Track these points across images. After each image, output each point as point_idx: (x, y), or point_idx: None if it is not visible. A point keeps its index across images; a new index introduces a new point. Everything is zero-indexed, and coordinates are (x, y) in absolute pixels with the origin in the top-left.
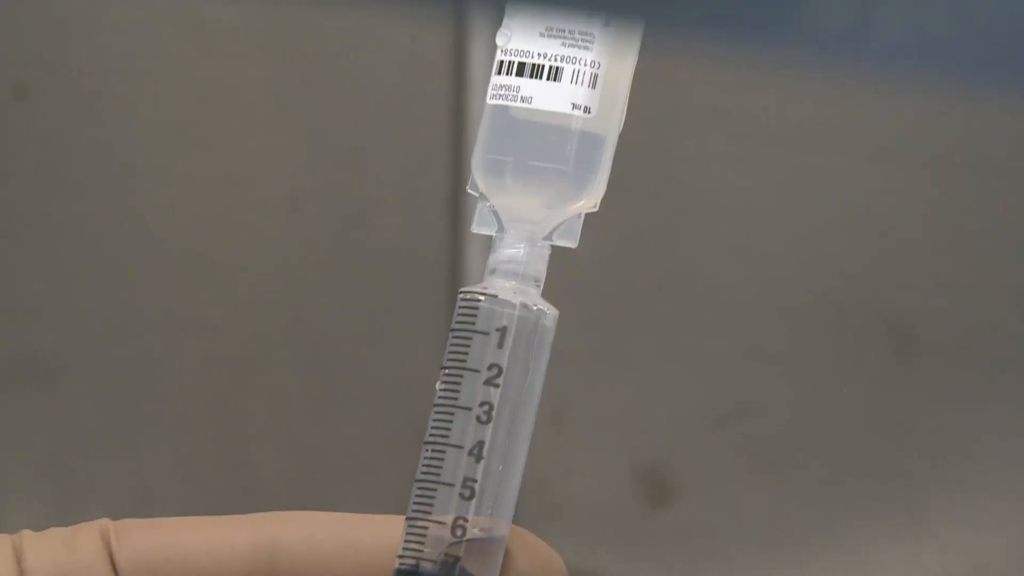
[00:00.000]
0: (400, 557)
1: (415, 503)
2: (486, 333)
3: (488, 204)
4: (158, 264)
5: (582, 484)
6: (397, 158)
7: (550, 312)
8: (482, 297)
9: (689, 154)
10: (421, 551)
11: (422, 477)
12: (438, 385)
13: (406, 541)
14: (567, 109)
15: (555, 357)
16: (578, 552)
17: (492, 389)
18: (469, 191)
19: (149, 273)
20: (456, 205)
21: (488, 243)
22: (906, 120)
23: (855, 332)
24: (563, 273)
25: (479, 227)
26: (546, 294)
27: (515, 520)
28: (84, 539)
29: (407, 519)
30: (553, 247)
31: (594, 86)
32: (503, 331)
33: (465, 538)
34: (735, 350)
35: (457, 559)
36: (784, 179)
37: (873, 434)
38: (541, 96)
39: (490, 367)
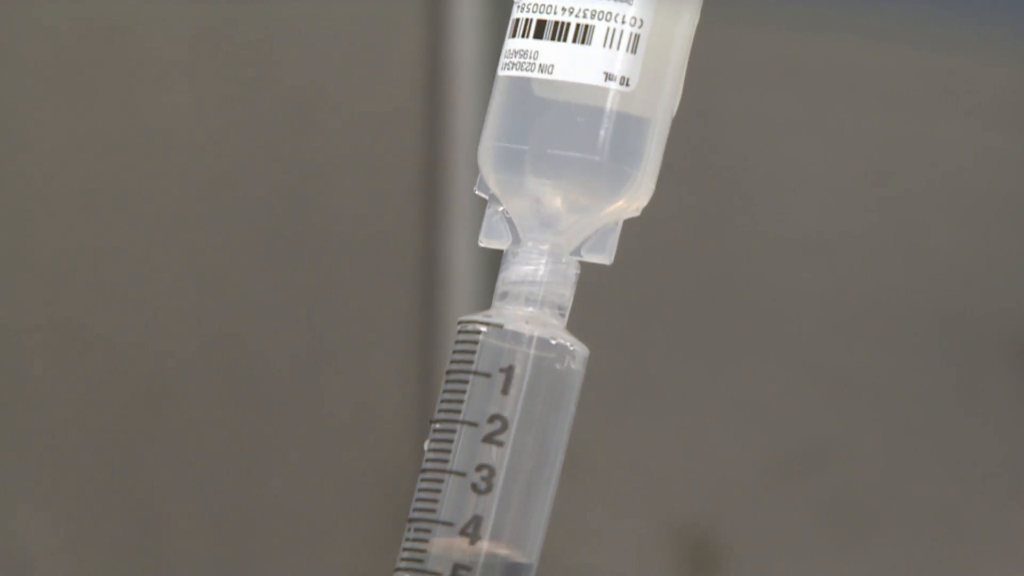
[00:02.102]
0: None
1: None
2: (487, 375)
3: (500, 209)
4: (35, 258)
5: (607, 551)
6: (356, 123)
7: (577, 350)
8: (483, 328)
9: (742, 118)
10: None
11: (402, 564)
12: (426, 444)
13: None
14: (598, 80)
15: None
16: None
17: (494, 448)
18: (476, 192)
19: (23, 270)
20: (431, 184)
21: (492, 255)
22: None
23: (969, 353)
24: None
25: (488, 239)
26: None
27: None
28: None
29: None
30: (583, 265)
31: (634, 51)
32: (509, 372)
33: None
34: (806, 378)
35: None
36: (871, 151)
37: (994, 486)
38: (565, 63)
39: (492, 419)
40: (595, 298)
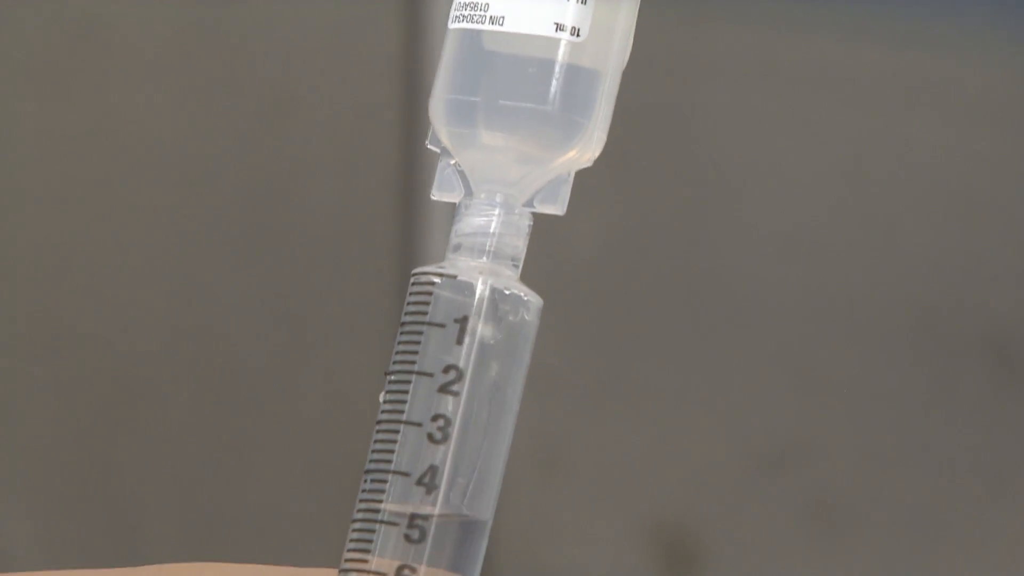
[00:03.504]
0: None
1: (349, 548)
2: (442, 326)
3: (452, 162)
4: (10, 255)
5: (581, 549)
6: (333, 119)
7: (532, 301)
8: (438, 279)
9: (719, 114)
10: None
11: (358, 515)
12: (382, 396)
13: None
14: (549, 31)
15: (546, 386)
16: None
17: (449, 398)
18: (428, 146)
19: None
20: (408, 180)
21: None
22: (1006, 70)
23: (946, 351)
24: (553, 275)
25: (440, 192)
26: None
27: None
28: None
29: (340, 569)
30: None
31: (584, 1)
32: (463, 323)
33: None
34: (781, 376)
35: None
36: (845, 147)
37: (967, 482)
38: (516, 15)
39: (447, 370)
40: (573, 295)
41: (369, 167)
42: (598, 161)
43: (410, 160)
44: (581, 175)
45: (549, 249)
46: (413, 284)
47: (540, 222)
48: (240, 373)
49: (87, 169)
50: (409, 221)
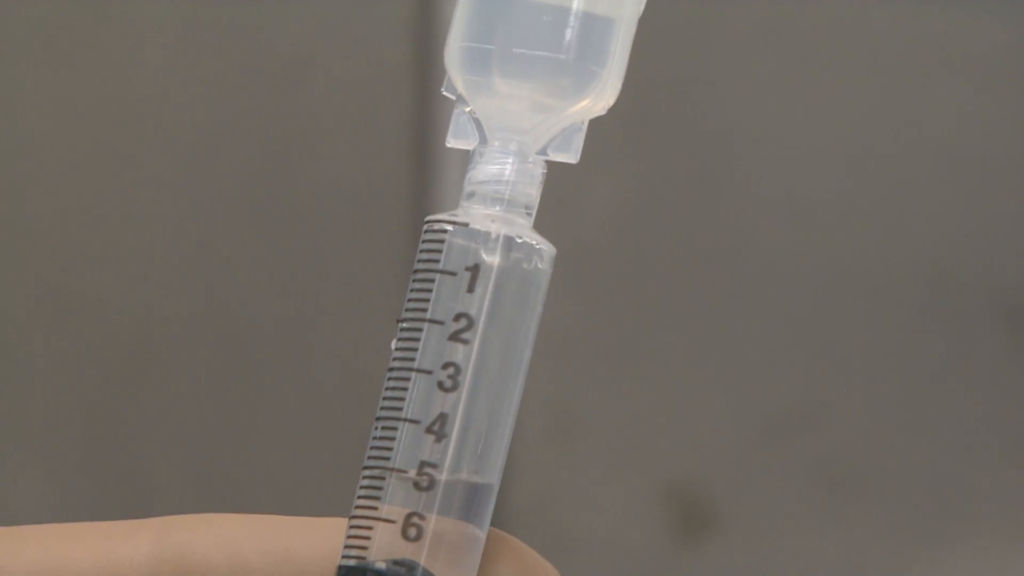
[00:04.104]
0: (341, 560)
1: (359, 495)
2: (453, 274)
3: (467, 109)
4: (21, 222)
5: (595, 510)
6: (344, 88)
7: (544, 249)
8: (450, 227)
9: (732, 80)
10: (364, 556)
11: (369, 462)
12: (393, 343)
13: (346, 546)
14: None
15: (560, 350)
16: None
17: (460, 346)
18: (444, 93)
19: (12, 235)
20: (420, 150)
21: None
22: (1022, 32)
23: (954, 316)
24: (566, 240)
25: (455, 139)
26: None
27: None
28: None
29: (350, 516)
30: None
31: None
32: (475, 271)
33: (421, 540)
34: (794, 340)
35: (412, 568)
36: (857, 112)
37: (979, 447)
38: None
39: (457, 317)
40: (585, 260)
41: (381, 136)
42: (613, 128)
43: (422, 129)
44: (596, 143)
45: (563, 215)
46: (426, 232)
47: (554, 190)
48: (252, 339)
49: (101, 137)
50: (423, 188)
